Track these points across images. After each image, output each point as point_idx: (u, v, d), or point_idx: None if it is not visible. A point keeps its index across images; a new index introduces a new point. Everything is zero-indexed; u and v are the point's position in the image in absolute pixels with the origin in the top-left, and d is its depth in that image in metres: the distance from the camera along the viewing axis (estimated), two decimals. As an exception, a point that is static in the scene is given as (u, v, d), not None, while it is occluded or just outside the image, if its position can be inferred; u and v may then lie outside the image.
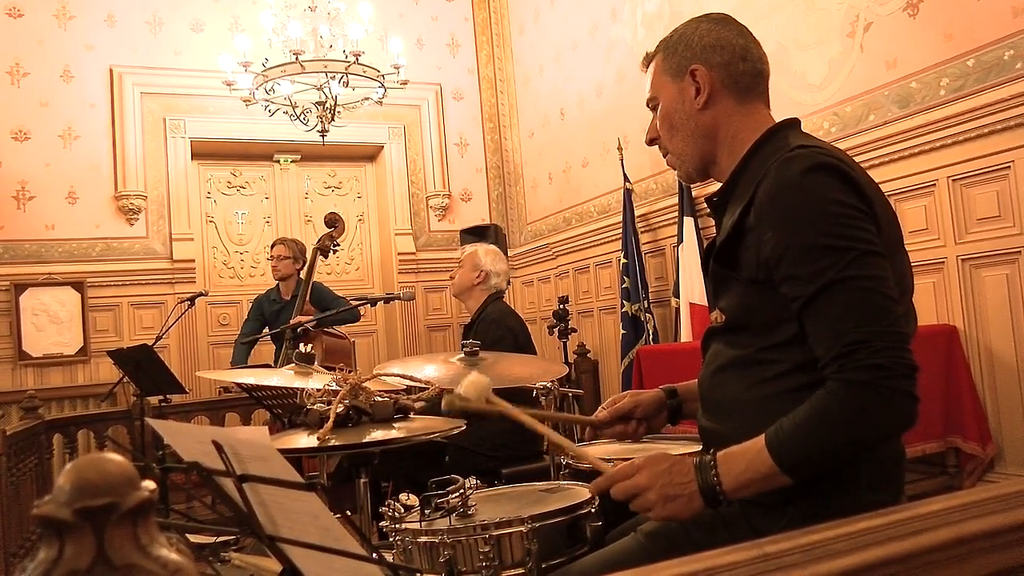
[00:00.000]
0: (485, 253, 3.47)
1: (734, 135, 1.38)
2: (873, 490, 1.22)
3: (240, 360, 4.84)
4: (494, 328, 3.19)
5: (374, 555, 0.78)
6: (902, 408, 1.12)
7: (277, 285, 4.99)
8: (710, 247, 1.40)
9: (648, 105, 1.48)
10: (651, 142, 1.49)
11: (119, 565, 0.49)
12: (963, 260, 3.08)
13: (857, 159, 3.75)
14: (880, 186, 1.32)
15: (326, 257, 4.85)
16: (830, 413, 1.13)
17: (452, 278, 3.53)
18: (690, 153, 1.42)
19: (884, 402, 1.11)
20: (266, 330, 4.82)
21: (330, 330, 4.70)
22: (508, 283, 3.59)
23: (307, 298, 4.63)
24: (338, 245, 4.79)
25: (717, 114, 1.38)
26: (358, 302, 3.89)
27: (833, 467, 1.18)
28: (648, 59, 1.48)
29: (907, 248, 1.35)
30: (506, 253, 5.70)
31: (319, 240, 4.71)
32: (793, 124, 1.40)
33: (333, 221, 4.76)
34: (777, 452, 1.15)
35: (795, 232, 1.18)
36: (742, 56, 1.37)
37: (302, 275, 4.79)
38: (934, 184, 3.17)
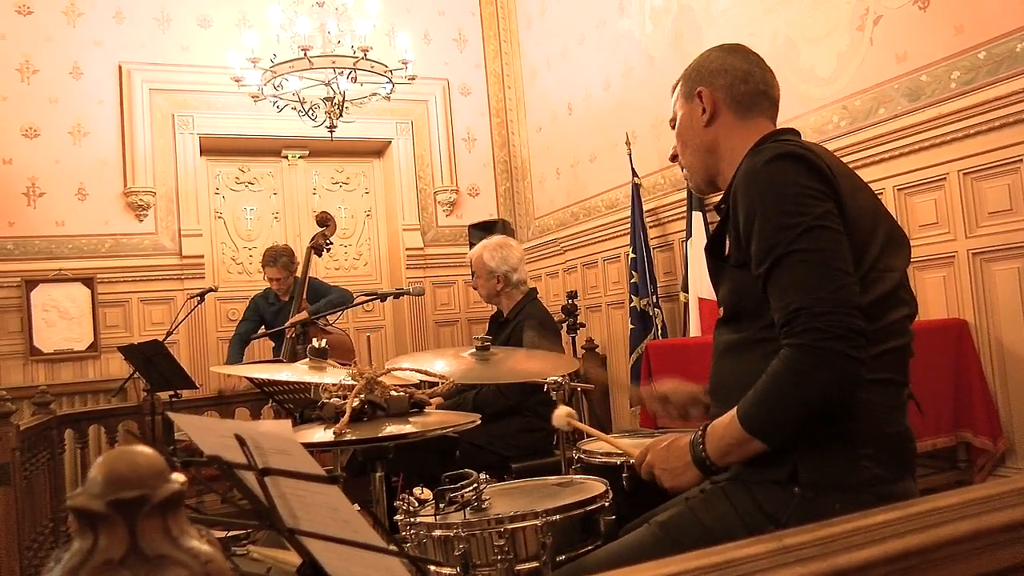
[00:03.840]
0: (491, 256, 3.27)
1: (733, 148, 1.51)
2: (875, 463, 1.27)
3: (236, 359, 4.85)
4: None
5: (394, 548, 0.79)
6: (840, 368, 1.20)
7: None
8: None
9: (671, 125, 1.64)
10: (674, 159, 1.65)
11: (151, 556, 0.50)
12: (974, 254, 3.06)
13: (867, 153, 3.69)
14: (853, 170, 1.42)
15: (320, 256, 4.93)
16: (779, 377, 1.24)
17: (475, 288, 3.48)
18: (698, 166, 1.58)
19: (822, 363, 1.20)
20: (262, 329, 4.84)
21: (327, 327, 4.71)
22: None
23: (303, 296, 4.66)
24: (331, 243, 4.84)
25: (718, 129, 1.53)
26: (367, 297, 3.90)
27: (796, 429, 1.26)
28: (675, 86, 1.64)
29: (916, 242, 1.39)
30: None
31: (312, 239, 4.78)
32: (790, 132, 1.50)
33: (325, 220, 4.82)
34: (743, 418, 1.27)
35: (757, 214, 1.30)
36: (743, 79, 1.52)
37: (297, 275, 4.83)
38: (944, 178, 3.15)
